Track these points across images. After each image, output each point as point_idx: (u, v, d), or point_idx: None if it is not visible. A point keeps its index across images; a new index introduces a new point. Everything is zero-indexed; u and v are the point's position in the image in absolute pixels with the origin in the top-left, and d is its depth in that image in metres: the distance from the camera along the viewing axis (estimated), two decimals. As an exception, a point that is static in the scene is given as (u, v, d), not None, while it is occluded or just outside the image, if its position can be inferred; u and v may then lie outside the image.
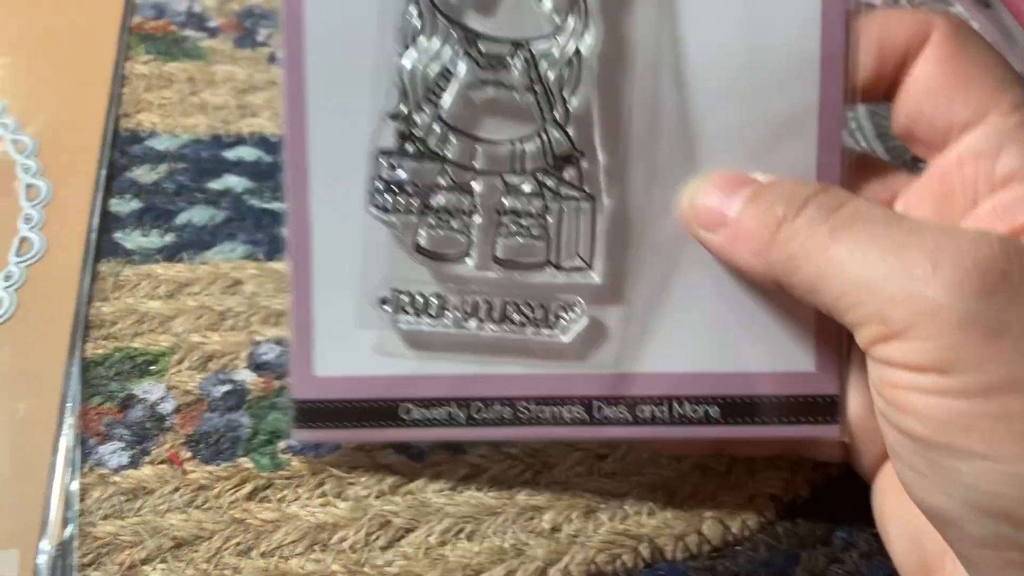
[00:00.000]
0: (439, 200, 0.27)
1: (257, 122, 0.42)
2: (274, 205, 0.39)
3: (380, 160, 0.27)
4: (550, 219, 0.27)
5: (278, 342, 0.34)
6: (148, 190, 0.39)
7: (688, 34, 0.28)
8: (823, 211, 0.24)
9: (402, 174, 0.27)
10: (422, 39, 0.27)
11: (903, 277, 0.22)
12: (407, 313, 0.28)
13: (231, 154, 0.41)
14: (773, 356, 0.28)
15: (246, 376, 0.33)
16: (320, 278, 0.28)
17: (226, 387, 0.33)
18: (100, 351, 0.34)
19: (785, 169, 0.28)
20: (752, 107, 0.28)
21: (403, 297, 0.28)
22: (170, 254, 0.37)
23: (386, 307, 0.28)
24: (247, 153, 0.41)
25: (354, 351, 0.28)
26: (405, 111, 0.27)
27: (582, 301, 0.27)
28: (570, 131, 0.27)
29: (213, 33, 0.46)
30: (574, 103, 0.27)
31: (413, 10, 0.26)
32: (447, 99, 0.27)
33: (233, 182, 0.40)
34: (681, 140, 0.28)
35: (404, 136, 0.27)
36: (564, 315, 0.28)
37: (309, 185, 0.28)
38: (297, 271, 0.28)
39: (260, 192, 0.39)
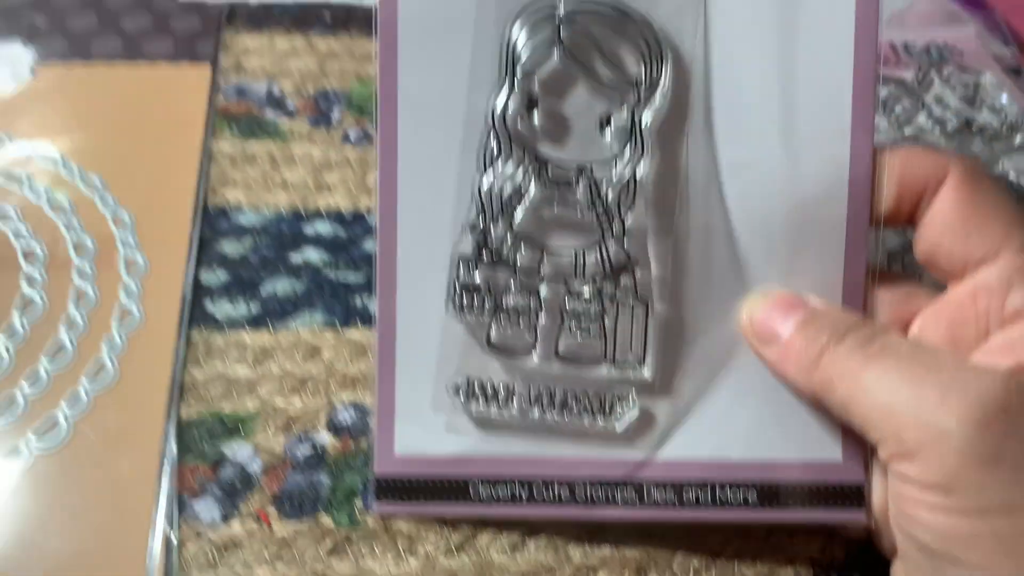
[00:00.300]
0: (509, 302, 0.30)
1: (333, 199, 0.44)
2: (349, 278, 0.41)
3: (459, 266, 0.30)
4: (607, 321, 0.30)
5: (354, 406, 0.36)
6: (235, 262, 0.41)
7: (734, 164, 0.31)
8: (859, 342, 0.27)
9: (478, 278, 0.30)
10: (499, 163, 0.29)
11: (917, 405, 0.25)
12: (478, 400, 0.30)
13: (310, 229, 0.43)
14: (805, 446, 0.30)
15: (325, 438, 0.35)
16: (403, 367, 0.30)
17: (307, 448, 0.35)
18: (194, 414, 0.36)
19: (817, 284, 0.31)
20: (790, 230, 0.31)
21: (475, 386, 0.30)
22: (255, 322, 0.38)
23: (459, 394, 0.30)
24: (324, 228, 0.43)
25: (430, 432, 0.30)
26: (482, 224, 0.29)
27: (634, 393, 0.30)
28: (626, 244, 0.29)
29: (291, 114, 0.48)
30: (630, 220, 0.29)
31: (492, 138, 0.29)
32: (519, 214, 0.30)
33: (312, 255, 0.42)
34: (729, 258, 0.30)
35: (481, 245, 0.29)
36: (617, 406, 0.30)
37: (397, 286, 0.30)
38: (383, 360, 0.30)
39: (336, 265, 0.42)
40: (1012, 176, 0.46)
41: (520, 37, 0.29)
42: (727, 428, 0.30)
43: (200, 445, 0.36)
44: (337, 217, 0.44)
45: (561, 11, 0.29)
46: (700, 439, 0.30)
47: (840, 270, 0.30)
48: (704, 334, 0.30)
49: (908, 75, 0.52)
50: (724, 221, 0.30)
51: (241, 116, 0.48)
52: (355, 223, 0.44)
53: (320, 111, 0.48)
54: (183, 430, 0.36)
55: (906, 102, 0.50)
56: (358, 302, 0.41)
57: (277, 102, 0.49)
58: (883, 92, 0.50)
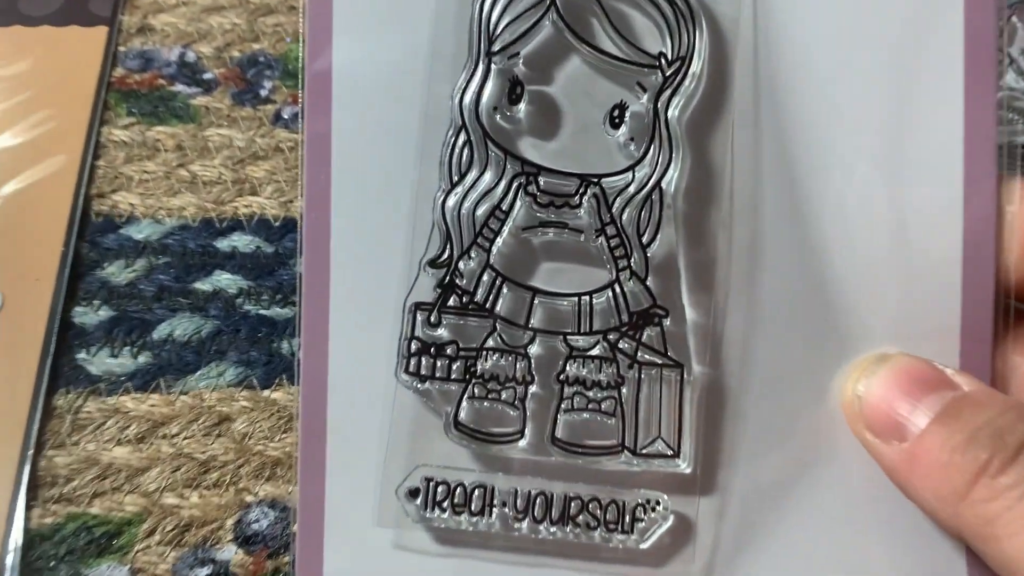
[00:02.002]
0: (486, 365, 0.27)
1: (257, 201, 0.42)
2: (274, 311, 0.39)
3: (416, 316, 0.27)
4: (625, 391, 0.27)
5: (272, 504, 0.34)
6: (121, 293, 0.39)
7: (798, 172, 0.28)
8: None
9: (442, 333, 0.27)
10: (471, 173, 0.27)
11: None
12: (442, 509, 0.27)
13: (224, 243, 0.41)
14: (916, 569, 0.28)
15: (230, 554, 0.33)
16: (335, 460, 0.28)
17: (206, 570, 0.33)
18: (49, 520, 0.33)
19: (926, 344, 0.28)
20: (883, 269, 0.28)
21: (439, 488, 0.28)
22: (144, 381, 0.37)
23: (415, 501, 0.27)
24: (243, 242, 0.41)
25: (373, 555, 0.28)
26: (448, 258, 0.27)
27: (665, 497, 0.27)
28: (650, 283, 0.27)
29: (208, 87, 0.46)
30: (654, 249, 0.27)
31: (462, 140, 0.27)
32: (499, 244, 0.27)
33: (225, 281, 0.39)
34: (796, 301, 0.28)
35: (446, 287, 0.27)
36: (643, 515, 0.27)
37: (329, 346, 0.28)
38: (307, 452, 0.28)
39: (257, 294, 0.39)
40: None
41: (498, 2, 0.28)
42: (802, 544, 0.28)
43: (53, 568, 0.33)
44: (261, 226, 0.41)
45: (554, -35, 0.26)
46: (763, 560, 0.28)
47: (956, 329, 0.28)
48: (764, 409, 0.28)
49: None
50: (787, 252, 0.28)
51: (143, 92, 0.45)
52: (286, 234, 0.41)
53: (246, 82, 0.46)
54: (31, 545, 0.33)
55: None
56: (285, 348, 0.38)
57: (191, 72, 0.46)
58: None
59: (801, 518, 0.28)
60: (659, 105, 0.27)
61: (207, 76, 0.46)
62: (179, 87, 0.45)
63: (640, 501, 0.28)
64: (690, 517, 0.28)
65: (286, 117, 0.45)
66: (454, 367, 0.27)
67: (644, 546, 0.28)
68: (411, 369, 0.27)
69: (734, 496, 0.28)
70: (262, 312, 0.39)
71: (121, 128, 0.43)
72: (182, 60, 0.46)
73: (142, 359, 0.37)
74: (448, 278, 0.28)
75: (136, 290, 0.39)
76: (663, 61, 0.27)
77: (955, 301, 0.28)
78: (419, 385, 0.27)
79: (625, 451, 0.27)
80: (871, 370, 0.27)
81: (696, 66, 0.27)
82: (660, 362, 0.27)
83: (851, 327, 0.28)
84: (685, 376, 0.27)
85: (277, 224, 0.41)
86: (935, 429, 0.25)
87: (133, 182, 0.42)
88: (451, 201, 0.27)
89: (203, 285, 0.39)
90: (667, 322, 0.27)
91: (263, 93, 0.45)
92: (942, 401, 0.25)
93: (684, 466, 0.28)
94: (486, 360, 0.28)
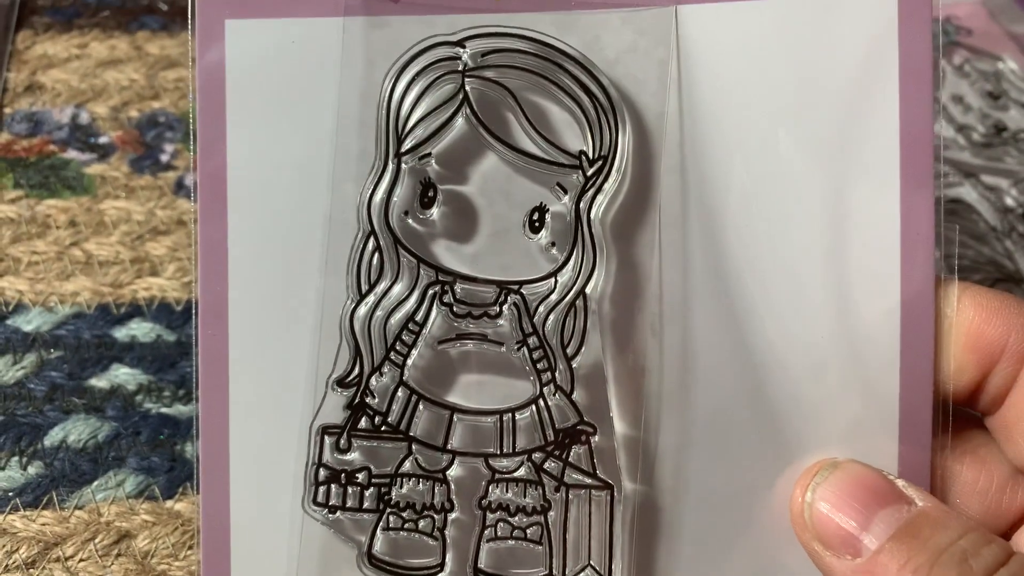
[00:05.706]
0: (402, 492, 0.27)
1: (158, 283, 0.41)
2: (176, 409, 0.38)
3: (323, 440, 0.27)
4: (552, 515, 0.27)
5: None
6: (8, 395, 0.38)
7: (726, 276, 0.28)
8: None
9: (353, 458, 0.27)
10: (382, 282, 0.27)
11: None
12: None
13: (122, 332, 0.40)
14: None
15: None
16: None
17: None
18: None
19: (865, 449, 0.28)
20: (816, 375, 0.28)
21: None
22: (35, 496, 0.36)
23: None
24: (143, 330, 0.40)
25: None
26: (358, 375, 0.27)
27: None
28: (576, 396, 0.27)
29: (104, 153, 0.45)
30: (580, 359, 0.27)
31: (370, 245, 0.27)
32: (413, 357, 0.27)
33: (124, 376, 0.39)
34: (730, 400, 0.28)
35: (356, 408, 0.27)
36: None
37: (229, 477, 0.28)
38: None
39: (158, 390, 0.39)
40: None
41: (407, 97, 0.28)
42: None
43: None
44: (163, 311, 0.41)
45: (466, 58, 0.27)
46: None
47: (895, 434, 0.28)
48: (702, 527, 0.28)
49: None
50: (721, 357, 0.28)
51: (31, 159, 0.45)
52: (189, 319, 0.38)
53: (145, 146, 0.46)
54: None
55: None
56: (189, 451, 0.37)
57: (84, 135, 0.46)
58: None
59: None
60: (581, 206, 0.28)
61: (102, 140, 0.46)
62: (72, 153, 0.45)
63: (572, 636, 0.27)
64: (629, 655, 0.28)
65: (189, 185, 0.44)
66: (366, 495, 0.27)
67: None
68: (319, 499, 0.27)
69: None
70: (164, 411, 0.38)
71: (7, 203, 0.43)
72: (74, 122, 0.46)
73: (32, 470, 0.36)
74: (358, 398, 0.27)
75: (25, 390, 0.38)
76: (584, 160, 0.28)
77: (893, 406, 0.28)
78: (329, 516, 0.27)
79: (554, 579, 0.27)
80: (824, 481, 0.27)
81: (619, 164, 0.28)
82: (589, 483, 0.28)
83: (791, 434, 0.28)
84: (615, 496, 0.27)
85: (179, 308, 0.41)
86: (893, 548, 0.25)
87: (21, 265, 0.41)
88: (361, 312, 0.28)
89: (99, 382, 0.39)
90: (595, 439, 0.28)
91: (164, 159, 0.45)
92: (898, 517, 0.26)
93: (618, 593, 0.27)
94: (401, 486, 0.28)
